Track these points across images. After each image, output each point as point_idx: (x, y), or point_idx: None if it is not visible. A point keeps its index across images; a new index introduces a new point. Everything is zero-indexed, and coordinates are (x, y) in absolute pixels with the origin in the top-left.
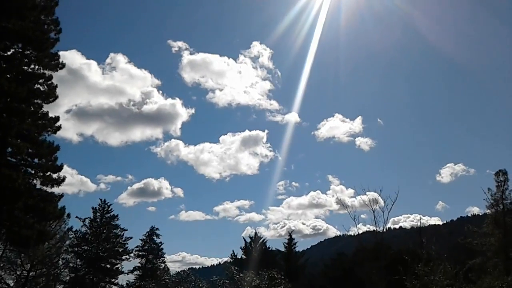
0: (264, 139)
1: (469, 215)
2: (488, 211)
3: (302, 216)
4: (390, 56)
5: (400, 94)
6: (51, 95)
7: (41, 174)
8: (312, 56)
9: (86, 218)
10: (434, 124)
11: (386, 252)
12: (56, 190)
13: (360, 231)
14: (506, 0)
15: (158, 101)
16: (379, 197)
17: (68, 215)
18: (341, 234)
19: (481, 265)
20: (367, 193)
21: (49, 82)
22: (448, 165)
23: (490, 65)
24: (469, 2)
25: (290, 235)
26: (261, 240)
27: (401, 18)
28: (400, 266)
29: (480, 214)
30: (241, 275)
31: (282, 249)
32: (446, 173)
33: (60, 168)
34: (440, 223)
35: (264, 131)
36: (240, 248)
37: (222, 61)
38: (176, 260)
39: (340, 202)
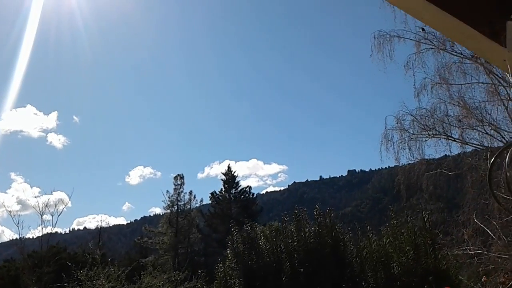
0: None
1: (152, 214)
2: (166, 211)
3: None
4: (108, 56)
5: (105, 93)
6: None
7: None
8: (20, 42)
9: None
10: (129, 127)
11: (58, 255)
12: None
13: (44, 232)
14: None
15: None
16: (66, 197)
17: None
18: (20, 237)
19: (153, 263)
20: (54, 192)
21: None
22: (137, 167)
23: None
24: None
25: None
26: None
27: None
28: (63, 273)
29: (161, 214)
30: None
31: None
32: (135, 175)
33: None
34: (125, 222)
35: None
36: None
37: None
38: None
39: (20, 202)
